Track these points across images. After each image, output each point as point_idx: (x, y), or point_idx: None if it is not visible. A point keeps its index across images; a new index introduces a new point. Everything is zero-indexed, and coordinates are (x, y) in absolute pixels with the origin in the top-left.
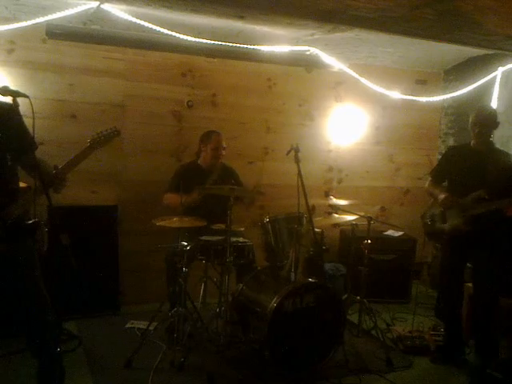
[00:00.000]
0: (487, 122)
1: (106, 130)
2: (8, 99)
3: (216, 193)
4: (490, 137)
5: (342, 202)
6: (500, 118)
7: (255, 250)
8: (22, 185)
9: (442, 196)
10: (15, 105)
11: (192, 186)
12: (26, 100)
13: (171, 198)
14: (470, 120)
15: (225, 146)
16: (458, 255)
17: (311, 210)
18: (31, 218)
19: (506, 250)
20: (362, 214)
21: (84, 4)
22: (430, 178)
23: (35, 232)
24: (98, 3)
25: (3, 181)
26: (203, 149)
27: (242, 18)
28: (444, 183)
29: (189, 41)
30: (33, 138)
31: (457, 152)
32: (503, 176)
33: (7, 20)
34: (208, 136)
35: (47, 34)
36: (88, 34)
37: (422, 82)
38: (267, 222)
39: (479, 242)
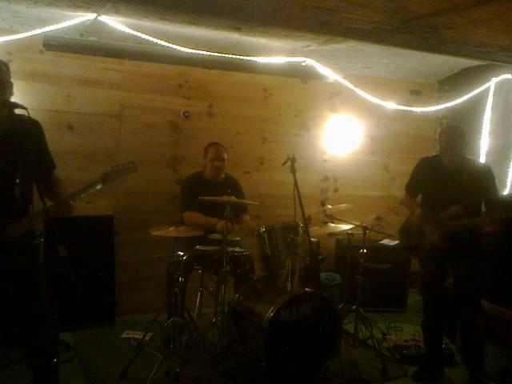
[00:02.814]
0: (461, 141)
1: (123, 164)
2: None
3: (213, 201)
4: (462, 151)
5: (339, 209)
6: (494, 128)
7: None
8: None
9: (416, 211)
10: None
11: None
12: (24, 111)
13: (195, 219)
14: (442, 140)
15: (225, 157)
16: (439, 269)
17: (307, 220)
18: (36, 237)
19: (487, 259)
20: (358, 223)
21: (81, 16)
22: (405, 191)
23: (37, 251)
24: (95, 15)
25: (9, 199)
26: (205, 161)
27: (238, 29)
28: (419, 196)
29: (185, 52)
30: (52, 158)
31: (428, 165)
32: (477, 191)
33: (5, 31)
34: (207, 147)
35: (44, 45)
36: (85, 46)
37: (417, 93)
38: (263, 231)
39: (458, 255)
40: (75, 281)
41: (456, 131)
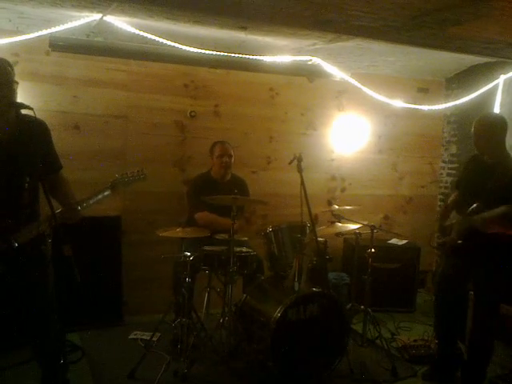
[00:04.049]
0: (486, 133)
1: (132, 172)
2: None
3: (219, 203)
4: (498, 147)
5: (346, 209)
6: None
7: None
8: None
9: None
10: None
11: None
12: (30, 112)
13: (209, 220)
14: (472, 134)
15: (232, 153)
16: (459, 269)
17: (314, 219)
18: (46, 242)
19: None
20: (366, 222)
21: (87, 16)
22: (455, 191)
23: (45, 254)
24: (100, 15)
25: (17, 204)
26: (211, 160)
27: (244, 28)
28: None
29: (191, 52)
30: (58, 158)
31: (472, 162)
32: (502, 190)
33: (11, 33)
34: (212, 146)
35: (50, 46)
36: (91, 46)
37: (424, 91)
38: (270, 231)
39: (479, 260)
40: (80, 280)
41: (488, 122)
